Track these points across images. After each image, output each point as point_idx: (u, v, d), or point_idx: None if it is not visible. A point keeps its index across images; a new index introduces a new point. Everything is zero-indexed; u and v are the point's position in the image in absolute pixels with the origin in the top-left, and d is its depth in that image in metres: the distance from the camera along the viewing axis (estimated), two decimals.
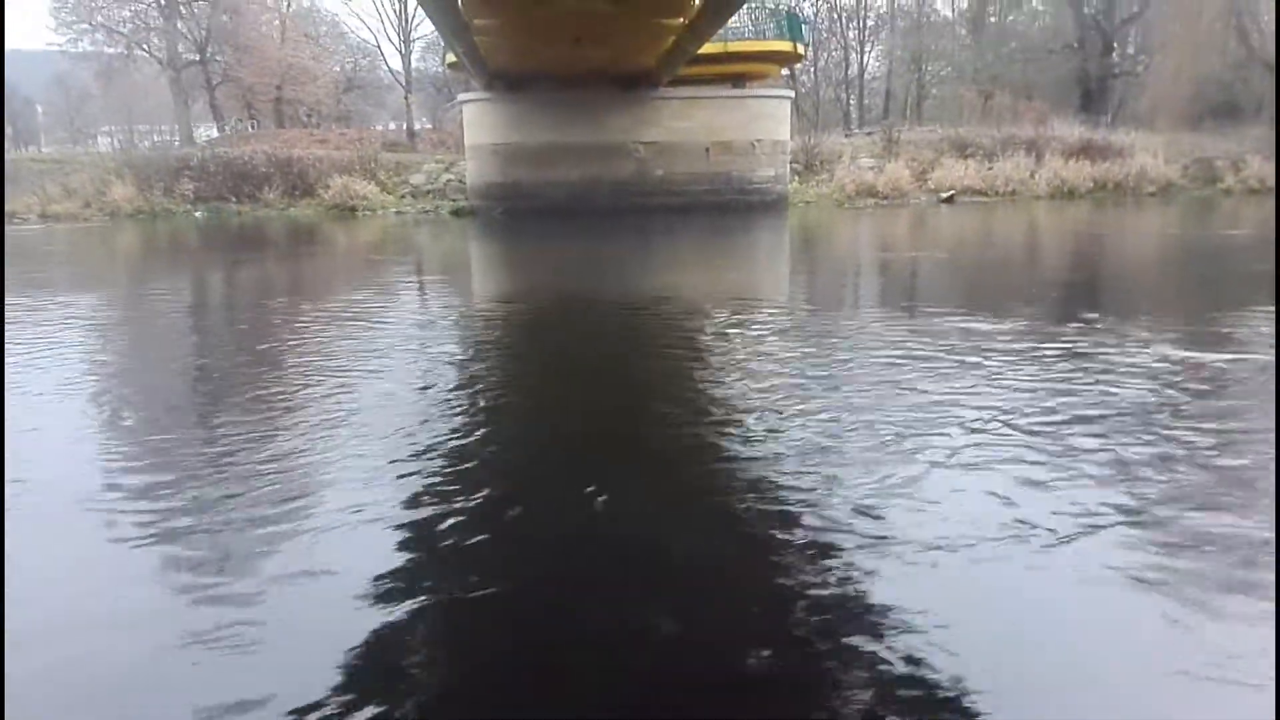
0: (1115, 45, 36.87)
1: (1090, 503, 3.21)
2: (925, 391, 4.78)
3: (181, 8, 33.92)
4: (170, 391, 5.53)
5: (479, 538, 3.11)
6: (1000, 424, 4.15)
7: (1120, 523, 3.05)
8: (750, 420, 4.41)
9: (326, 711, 2.12)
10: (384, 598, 2.65)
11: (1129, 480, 3.44)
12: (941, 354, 5.69)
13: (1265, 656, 2.24)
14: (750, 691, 2.22)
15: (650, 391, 5.40)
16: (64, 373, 5.86)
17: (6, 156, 26.60)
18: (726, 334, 6.78)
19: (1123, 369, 5.18)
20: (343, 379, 5.48)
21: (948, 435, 4.01)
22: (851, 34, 41.37)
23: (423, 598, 2.68)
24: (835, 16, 41.00)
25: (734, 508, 3.35)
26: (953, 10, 43.44)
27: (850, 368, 5.51)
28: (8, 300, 8.74)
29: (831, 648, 2.40)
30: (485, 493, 3.53)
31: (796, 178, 24.94)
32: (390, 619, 2.54)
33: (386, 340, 6.90)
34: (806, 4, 37.81)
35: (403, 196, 24.99)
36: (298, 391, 5.22)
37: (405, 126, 34.67)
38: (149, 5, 33.95)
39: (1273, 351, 5.53)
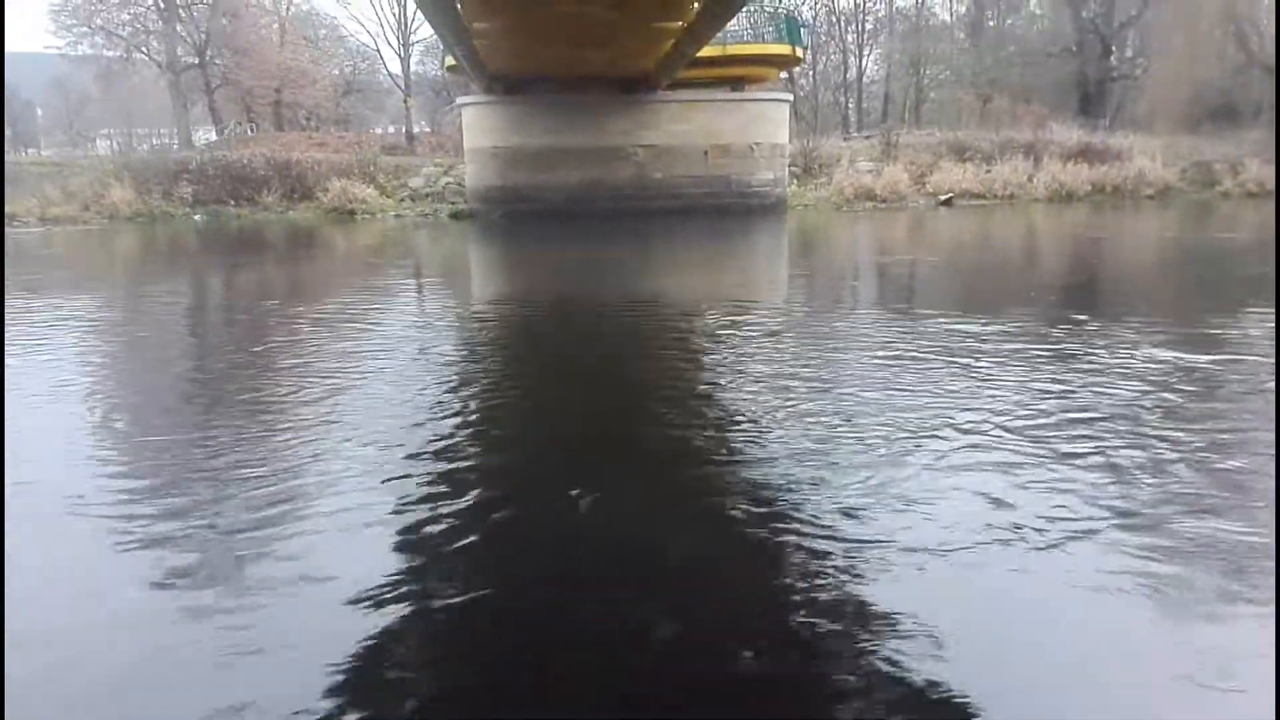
0: (1114, 49, 36.91)
1: (1085, 505, 3.23)
2: (920, 394, 4.81)
3: (181, 11, 33.91)
4: (168, 394, 5.54)
5: (477, 538, 3.13)
6: (994, 426, 4.17)
7: (1114, 525, 3.07)
8: (746, 422, 4.43)
9: (326, 712, 2.14)
10: (382, 598, 2.67)
11: (1122, 483, 3.46)
12: (938, 357, 5.71)
13: (1258, 659, 2.26)
14: (746, 691, 2.24)
15: (648, 393, 5.42)
16: (60, 375, 5.87)
17: (6, 159, 26.58)
18: (724, 336, 6.80)
19: (1117, 371, 5.21)
20: (341, 381, 5.49)
21: (942, 438, 4.03)
22: (850, 37, 41.45)
23: (421, 598, 2.70)
24: (834, 20, 41.13)
25: (730, 509, 3.37)
26: (951, 14, 43.63)
27: (846, 370, 5.53)
28: (7, 301, 8.75)
29: (826, 648, 2.42)
30: (484, 493, 3.55)
31: (795, 181, 24.95)
32: (388, 620, 2.56)
33: (385, 343, 6.92)
34: (805, 7, 37.96)
35: (401, 200, 24.99)
36: (295, 394, 5.24)
37: (404, 130, 34.70)
38: (148, 8, 33.94)
39: (1268, 353, 5.56)
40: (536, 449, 4.31)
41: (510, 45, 17.55)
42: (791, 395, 4.90)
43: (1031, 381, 5.05)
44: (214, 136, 35.72)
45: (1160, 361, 5.45)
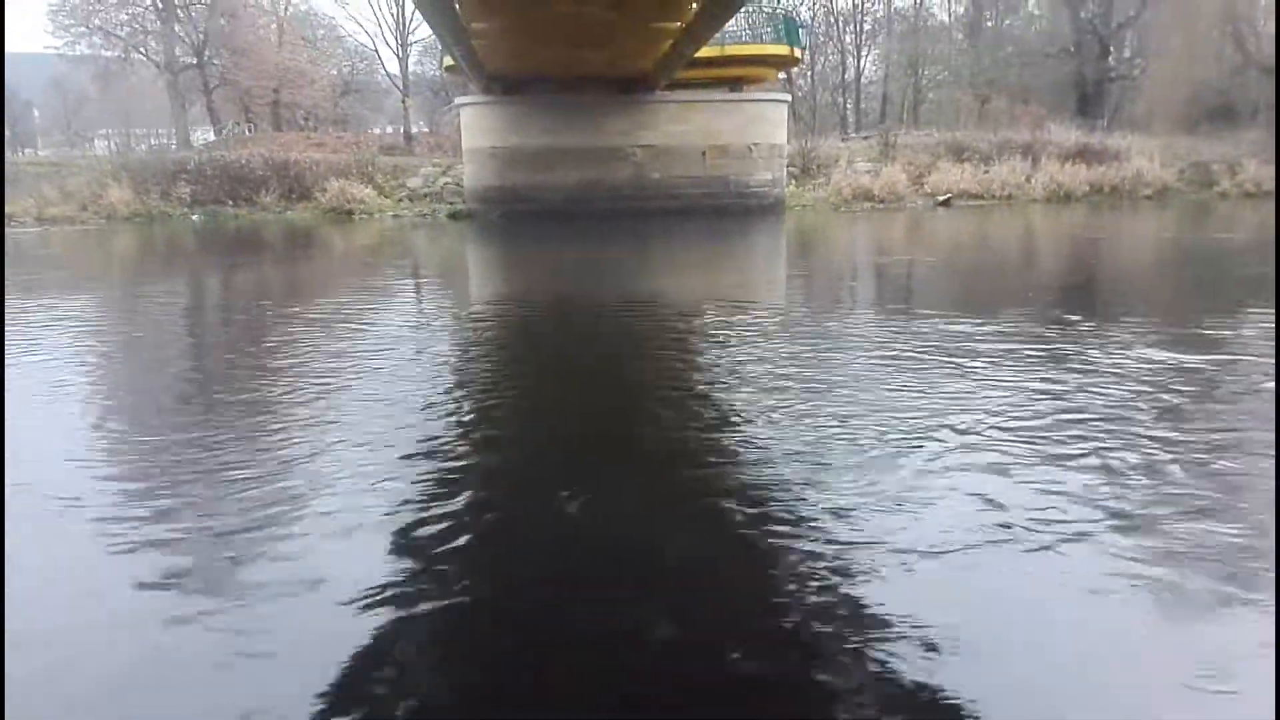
0: (1112, 49, 36.93)
1: (1081, 506, 3.24)
2: (918, 395, 4.81)
3: (179, 11, 33.88)
4: (165, 394, 5.53)
5: (475, 539, 3.13)
6: (992, 427, 4.18)
7: (1110, 526, 3.08)
8: (744, 422, 4.44)
9: (326, 712, 2.14)
10: (381, 599, 2.67)
11: (1117, 484, 3.46)
12: (935, 358, 5.72)
13: (1257, 659, 2.27)
14: (745, 692, 2.25)
15: (646, 393, 5.43)
16: (58, 375, 5.88)
17: (5, 159, 26.55)
18: (722, 337, 6.80)
19: (1114, 372, 5.22)
20: (339, 381, 5.50)
21: (939, 439, 4.03)
22: (848, 38, 41.48)
23: (420, 599, 2.70)
24: (832, 20, 41.15)
25: (728, 509, 3.37)
26: (949, 14, 43.64)
27: (844, 371, 5.53)
28: (6, 302, 8.74)
29: (823, 648, 2.43)
30: (482, 494, 3.56)
31: (793, 181, 24.97)
32: (387, 620, 2.56)
33: (382, 343, 6.91)
34: (804, 8, 37.95)
35: (400, 200, 24.98)
36: (293, 394, 5.24)
37: (402, 130, 34.70)
38: (146, 9, 33.91)
39: (1264, 353, 5.57)
40: (534, 449, 4.32)
41: (508, 45, 17.56)
42: (789, 396, 4.91)
43: (1028, 382, 5.06)
44: (212, 137, 35.69)
45: (1157, 362, 5.47)
